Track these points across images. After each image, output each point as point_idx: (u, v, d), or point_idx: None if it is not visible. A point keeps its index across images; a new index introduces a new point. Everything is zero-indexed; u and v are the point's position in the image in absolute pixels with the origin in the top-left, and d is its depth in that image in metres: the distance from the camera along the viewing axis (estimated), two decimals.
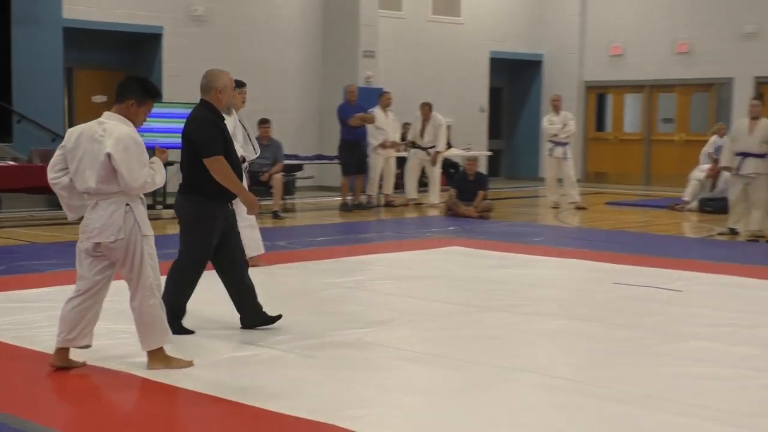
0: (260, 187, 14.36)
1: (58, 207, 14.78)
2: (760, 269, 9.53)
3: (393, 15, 19.40)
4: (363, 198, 15.80)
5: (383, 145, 15.83)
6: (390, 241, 11.56)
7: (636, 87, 21.47)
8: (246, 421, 4.80)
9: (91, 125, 5.41)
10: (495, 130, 22.37)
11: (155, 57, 16.74)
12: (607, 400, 5.11)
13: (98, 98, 16.80)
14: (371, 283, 8.64)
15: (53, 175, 5.48)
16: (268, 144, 14.55)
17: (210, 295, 7.64)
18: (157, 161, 5.53)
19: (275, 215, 13.97)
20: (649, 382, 5.49)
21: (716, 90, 20.30)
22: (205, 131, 6.31)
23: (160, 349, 5.59)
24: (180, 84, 16.43)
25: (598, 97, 22.31)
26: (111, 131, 5.32)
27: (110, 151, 5.25)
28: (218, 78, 6.47)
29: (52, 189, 5.55)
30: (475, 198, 14.29)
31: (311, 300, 7.83)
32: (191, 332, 6.42)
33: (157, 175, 5.45)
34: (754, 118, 11.89)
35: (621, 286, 8.53)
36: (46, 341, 6.03)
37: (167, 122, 14.03)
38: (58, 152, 5.50)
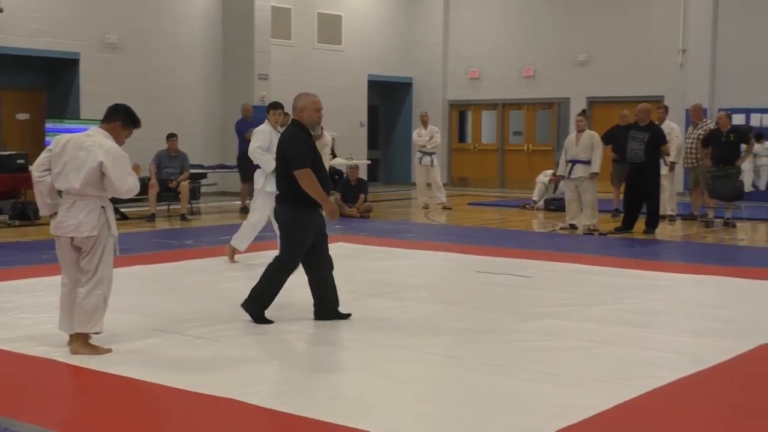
0: (169, 192, 14.10)
1: None
2: (594, 257, 9.79)
3: (283, 43, 19.27)
4: None
5: None
6: None
7: (491, 105, 21.81)
8: (156, 398, 4.69)
9: (79, 136, 5.48)
10: (373, 141, 22.41)
11: (74, 80, 16.23)
12: (472, 371, 5.17)
13: (22, 116, 16.23)
14: None
15: (38, 173, 5.51)
16: (176, 155, 14.29)
17: (129, 287, 7.45)
18: (134, 173, 5.58)
19: (183, 218, 13.70)
20: (507, 354, 5.57)
21: (556, 108, 20.78)
22: (294, 146, 6.28)
23: (86, 336, 5.47)
24: (96, 103, 15.97)
25: (460, 114, 22.58)
26: (101, 144, 5.41)
27: (103, 160, 5.34)
28: (300, 99, 6.51)
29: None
30: (357, 200, 14.31)
31: (216, 291, 7.71)
32: (271, 322, 6.32)
33: (138, 185, 5.56)
34: (580, 131, 12.18)
35: (482, 274, 8.64)
36: None
37: None
38: (44, 155, 5.54)
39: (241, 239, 9.21)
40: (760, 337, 6.01)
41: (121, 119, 5.57)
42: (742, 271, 8.92)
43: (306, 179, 6.19)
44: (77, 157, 5.38)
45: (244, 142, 15.20)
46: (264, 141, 8.99)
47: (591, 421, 4.27)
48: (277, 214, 6.54)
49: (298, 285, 8.00)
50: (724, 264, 9.44)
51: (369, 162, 21.03)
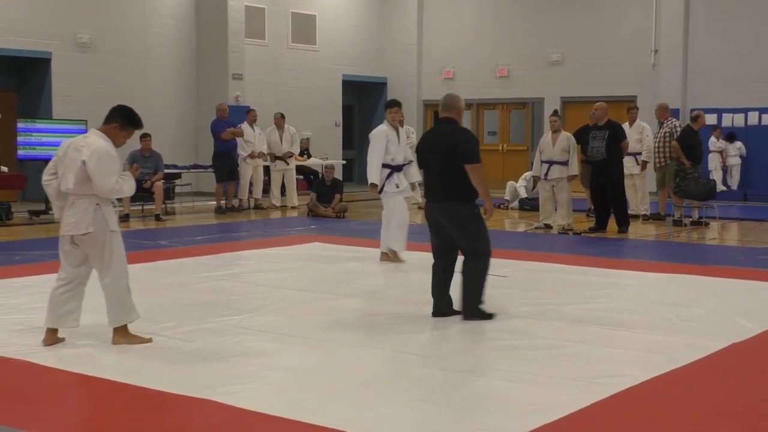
0: (144, 193, 14.01)
1: None
2: (568, 257, 9.85)
3: (257, 43, 19.22)
4: (235, 202, 15.58)
5: (251, 156, 15.66)
6: (259, 239, 11.44)
7: (465, 105, 21.81)
8: (131, 399, 4.66)
9: (78, 139, 5.70)
10: (348, 141, 22.42)
11: (45, 79, 16.09)
12: (446, 369, 5.18)
13: None
14: (244, 276, 8.53)
15: (46, 178, 5.74)
16: (149, 155, 14.21)
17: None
18: (128, 174, 5.74)
19: (157, 218, 13.63)
20: (482, 353, 5.59)
21: (530, 108, 20.88)
22: (470, 141, 6.48)
23: (124, 327, 5.71)
24: (68, 103, 15.90)
25: (435, 114, 22.60)
26: (90, 144, 5.57)
27: (85, 159, 5.49)
28: (458, 100, 6.80)
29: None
30: (333, 200, 14.29)
31: (192, 291, 7.67)
32: (491, 316, 6.45)
33: (125, 185, 5.67)
34: (555, 131, 12.24)
35: (457, 274, 8.62)
36: None
37: (57, 137, 13.54)
38: (52, 160, 5.75)
39: (396, 242, 9.26)
40: (731, 335, 6.06)
41: (118, 120, 5.70)
42: (713, 269, 9.00)
43: (479, 173, 6.37)
44: (73, 158, 5.57)
45: (219, 142, 15.19)
46: (382, 146, 9.09)
47: (566, 420, 4.30)
48: (450, 211, 6.50)
49: (269, 285, 7.98)
50: (695, 263, 9.52)
51: (344, 162, 21.04)
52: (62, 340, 5.73)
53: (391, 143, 9.10)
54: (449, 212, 6.48)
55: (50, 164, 5.76)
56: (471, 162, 6.37)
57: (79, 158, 5.51)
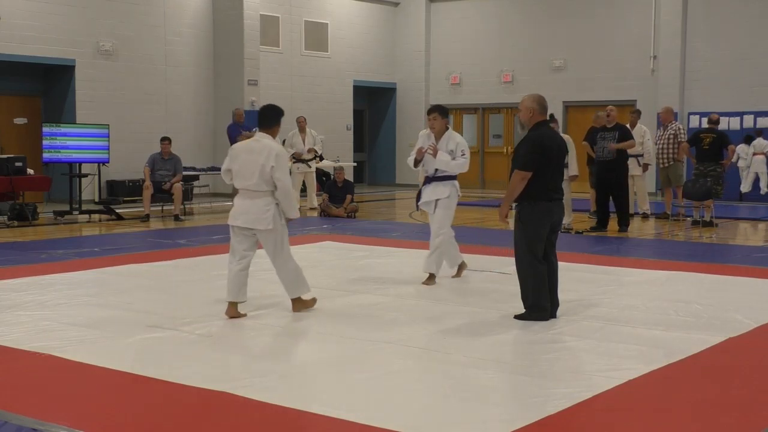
0: (163, 194, 14.04)
1: None
2: (570, 254, 9.78)
3: (272, 50, 19.25)
4: None
5: None
6: None
7: (471, 109, 21.84)
8: (148, 392, 4.66)
9: (249, 142, 6.41)
10: (359, 144, 22.43)
11: (69, 85, 16.15)
12: (454, 363, 5.16)
13: (19, 120, 16.12)
14: (258, 273, 8.48)
15: (223, 170, 6.48)
16: (169, 158, 14.23)
17: (124, 284, 7.41)
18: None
19: (176, 218, 13.65)
20: (488, 347, 5.57)
21: None
22: (521, 148, 6.56)
23: (299, 297, 6.51)
24: (91, 108, 15.94)
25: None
26: (270, 146, 6.26)
27: (273, 164, 6.16)
28: (522, 101, 6.89)
29: None
30: (344, 201, 14.29)
31: (209, 288, 7.66)
32: (549, 317, 6.36)
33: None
34: None
35: (464, 271, 8.63)
36: None
37: (80, 140, 13.58)
38: (226, 159, 6.47)
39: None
40: (727, 330, 6.04)
41: (276, 122, 6.41)
42: (710, 267, 8.96)
43: (514, 179, 6.49)
44: (250, 160, 6.21)
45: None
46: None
47: (569, 412, 4.28)
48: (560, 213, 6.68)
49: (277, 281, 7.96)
50: (693, 260, 9.48)
51: (355, 164, 21.03)
52: (244, 315, 6.32)
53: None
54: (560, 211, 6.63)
55: (225, 163, 6.43)
56: (515, 167, 6.47)
57: (259, 160, 6.15)
